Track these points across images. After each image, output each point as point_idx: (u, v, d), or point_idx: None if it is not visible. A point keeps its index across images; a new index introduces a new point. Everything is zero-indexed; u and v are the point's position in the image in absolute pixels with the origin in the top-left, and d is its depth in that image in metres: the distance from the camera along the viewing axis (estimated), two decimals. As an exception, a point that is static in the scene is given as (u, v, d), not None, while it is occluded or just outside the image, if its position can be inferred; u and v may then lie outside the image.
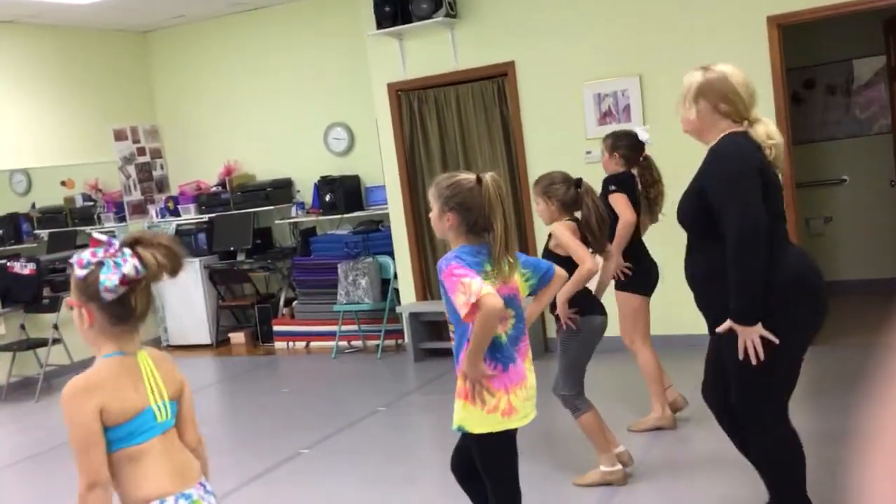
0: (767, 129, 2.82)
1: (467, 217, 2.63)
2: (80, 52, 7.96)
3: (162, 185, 8.61)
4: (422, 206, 6.72)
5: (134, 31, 8.45)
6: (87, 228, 8.35)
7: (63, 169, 8.09)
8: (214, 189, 8.27)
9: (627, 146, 4.26)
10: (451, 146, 6.66)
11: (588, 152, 6.00)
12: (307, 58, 7.93)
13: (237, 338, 8.11)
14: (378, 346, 6.98)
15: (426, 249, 6.81)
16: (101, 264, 1.98)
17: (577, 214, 3.60)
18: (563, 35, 6.14)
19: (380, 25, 6.46)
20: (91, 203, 8.44)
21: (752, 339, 2.70)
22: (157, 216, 8.37)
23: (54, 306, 6.88)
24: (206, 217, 8.19)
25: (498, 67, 6.36)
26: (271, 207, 7.92)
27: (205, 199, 8.22)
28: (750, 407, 2.87)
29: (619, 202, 4.11)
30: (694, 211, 2.86)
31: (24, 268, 6.98)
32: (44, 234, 8.34)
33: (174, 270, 2.04)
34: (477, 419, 2.66)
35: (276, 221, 8.09)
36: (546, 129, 6.27)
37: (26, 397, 6.78)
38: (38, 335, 6.98)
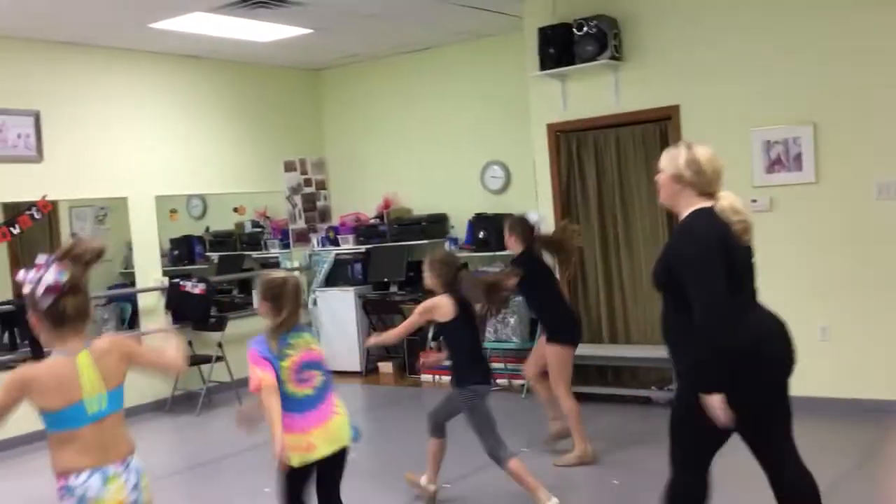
0: (732, 204, 3.00)
1: (276, 306, 3.37)
2: (257, 88, 8.45)
3: (324, 216, 8.96)
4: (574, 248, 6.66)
5: (308, 69, 8.90)
6: (254, 253, 8.81)
7: (236, 196, 8.58)
8: (372, 221, 8.52)
9: (522, 229, 5.10)
10: (608, 189, 6.57)
11: (754, 201, 5.77)
12: (469, 97, 8.09)
13: (385, 367, 8.27)
14: (523, 385, 6.92)
15: (577, 290, 6.73)
16: (38, 280, 2.39)
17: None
18: (732, 78, 5.96)
19: (543, 66, 6.50)
20: (259, 229, 8.89)
21: (712, 407, 2.87)
22: (317, 245, 8.70)
23: (220, 326, 7.25)
24: (363, 248, 8.44)
25: (662, 111, 6.25)
26: (426, 241, 8.06)
27: (363, 231, 8.48)
28: (673, 444, 3.13)
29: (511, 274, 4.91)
30: (665, 281, 3.06)
31: (194, 287, 7.42)
32: (214, 256, 8.85)
33: (92, 262, 2.49)
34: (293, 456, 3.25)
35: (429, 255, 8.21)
36: (709, 175, 6.07)
37: (188, 410, 7.16)
38: (203, 352, 7.37)
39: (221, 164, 8.10)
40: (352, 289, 8.29)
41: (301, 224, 8.81)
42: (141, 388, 7.19)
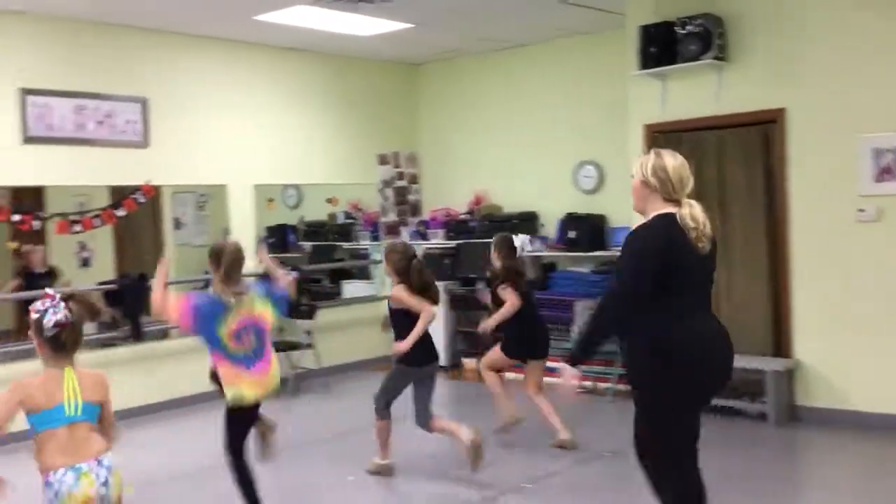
0: (692, 212, 3.13)
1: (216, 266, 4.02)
2: (355, 81, 8.57)
3: (415, 209, 9.03)
4: (669, 252, 6.53)
5: (406, 63, 8.97)
6: (345, 244, 8.94)
7: (330, 187, 8.72)
8: (463, 216, 8.54)
9: (508, 249, 5.76)
10: (706, 193, 6.38)
11: (861, 210, 5.54)
12: (565, 95, 8.02)
13: (470, 363, 8.28)
14: (609, 388, 6.82)
15: (669, 296, 6.58)
16: (46, 311, 3.00)
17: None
18: (841, 81, 5.72)
19: (644, 65, 6.38)
20: (351, 221, 9.02)
21: (567, 377, 3.21)
22: (407, 238, 8.77)
23: (311, 314, 7.38)
24: (452, 243, 8.46)
25: (766, 114, 6.05)
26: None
27: (453, 226, 8.50)
28: (647, 459, 3.28)
29: (508, 293, 5.59)
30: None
31: (287, 275, 7.56)
32: (307, 245, 9.02)
33: (92, 319, 3.19)
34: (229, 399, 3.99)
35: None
36: (814, 182, 5.87)
37: (276, 394, 7.30)
38: (293, 339, 7.52)
39: (318, 155, 8.25)
40: (440, 283, 8.28)
41: (392, 217, 8.89)
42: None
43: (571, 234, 7.58)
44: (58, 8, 6.20)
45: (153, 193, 7.00)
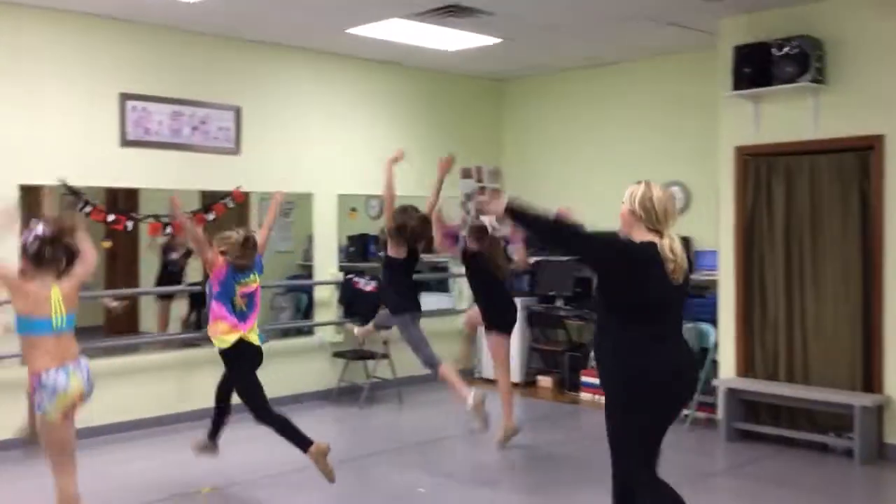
0: (671, 244, 3.30)
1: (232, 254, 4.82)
2: (441, 94, 8.63)
3: (496, 224, 9.01)
4: (755, 279, 6.36)
5: (492, 79, 9.00)
6: (425, 256, 8.96)
7: (413, 199, 8.76)
8: (544, 234, 8.48)
9: (477, 231, 6.25)
10: (798, 219, 6.21)
11: (963, 243, 5.29)
12: (652, 114, 7.91)
13: (545, 381, 8.22)
14: (687, 416, 6.67)
15: (754, 323, 6.40)
16: (29, 234, 3.61)
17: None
18: (948, 110, 5.49)
19: (737, 86, 6.24)
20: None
21: (490, 205, 3.55)
22: (486, 253, 8.75)
23: (387, 325, 7.43)
24: (532, 259, 8.41)
25: (864, 140, 5.85)
26: (596, 258, 7.94)
27: (533, 242, 8.44)
28: (622, 465, 3.46)
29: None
30: (598, 299, 3.45)
31: (367, 285, 7.66)
32: (387, 256, 9.09)
33: (70, 235, 3.70)
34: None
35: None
36: (913, 212, 5.64)
37: (351, 402, 7.39)
38: (369, 348, 7.58)
39: (401, 166, 8.29)
40: (518, 299, 8.26)
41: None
42: (310, 377, 7.50)
43: (654, 256, 7.46)
44: (159, 17, 6.43)
45: (242, 199, 7.16)
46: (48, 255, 3.60)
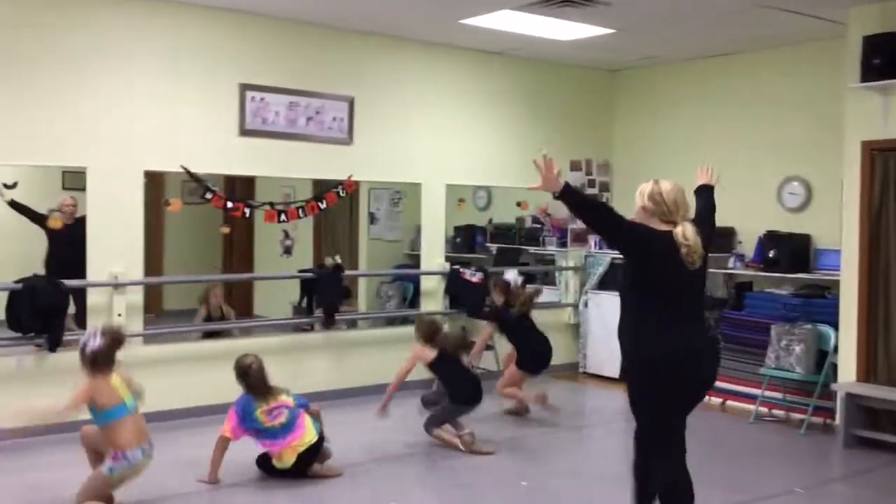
0: (683, 231, 3.52)
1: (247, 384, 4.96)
2: (552, 86, 8.55)
3: (604, 218, 8.87)
4: (880, 280, 6.05)
5: (604, 69, 8.85)
6: (531, 248, 8.94)
7: (520, 191, 8.74)
8: (654, 228, 8.31)
9: (502, 285, 6.84)
10: (929, 218, 5.87)
11: None
12: (772, 106, 7.62)
13: (651, 379, 8.05)
14: (803, 420, 6.42)
15: (878, 326, 6.09)
16: (87, 341, 4.26)
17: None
18: None
19: (865, 78, 5.94)
20: (539, 226, 9.00)
21: (549, 182, 3.55)
22: (594, 247, 8.65)
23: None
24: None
25: None
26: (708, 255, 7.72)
27: (643, 237, 8.29)
28: (649, 444, 3.73)
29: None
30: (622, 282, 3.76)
31: (473, 276, 7.67)
32: (493, 247, 9.10)
33: (118, 347, 4.33)
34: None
35: (711, 270, 7.86)
36: None
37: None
38: (473, 339, 7.59)
39: (509, 158, 8.29)
40: (615, 295, 8.12)
41: (580, 225, 8.79)
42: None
43: (771, 254, 7.19)
44: (279, 9, 6.60)
45: (353, 188, 7.29)
46: (101, 360, 4.23)
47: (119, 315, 6.00)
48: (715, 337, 3.69)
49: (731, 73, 7.96)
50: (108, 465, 4.21)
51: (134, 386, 4.39)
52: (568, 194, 3.54)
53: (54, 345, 5.70)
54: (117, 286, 6.03)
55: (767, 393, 6.69)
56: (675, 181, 3.70)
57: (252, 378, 4.89)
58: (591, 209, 3.68)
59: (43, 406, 4.24)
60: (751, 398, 6.81)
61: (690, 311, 3.63)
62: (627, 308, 3.65)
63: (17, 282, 5.65)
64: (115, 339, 4.34)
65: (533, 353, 6.71)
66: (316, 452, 4.95)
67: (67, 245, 6.44)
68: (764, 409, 6.75)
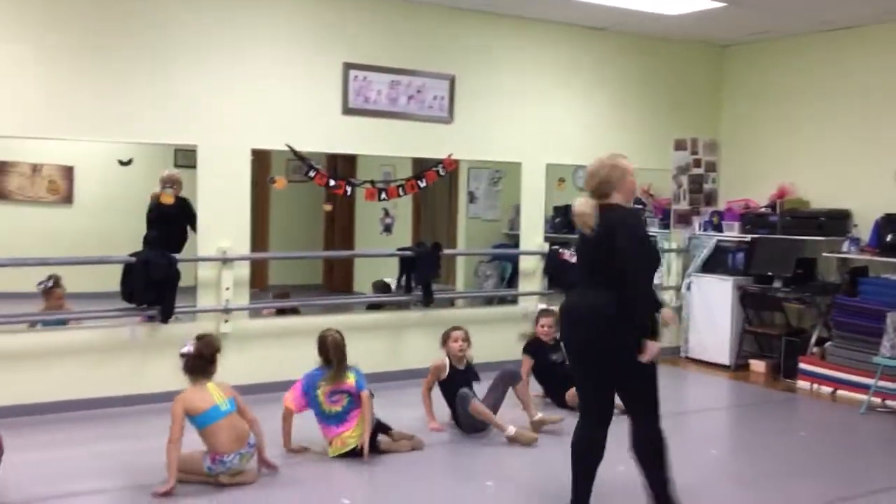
0: (577, 201, 3.88)
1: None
2: (657, 61, 8.32)
3: (710, 199, 8.62)
4: None
5: (713, 44, 8.56)
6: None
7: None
8: (762, 210, 8.02)
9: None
10: None
11: None
12: (893, 82, 7.22)
13: (757, 366, 7.81)
14: (866, 400, 6.11)
15: None
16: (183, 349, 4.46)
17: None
18: None
19: None
20: (640, 206, 8.81)
21: (654, 350, 3.82)
22: (699, 228, 8.42)
23: (592, 296, 7.34)
24: (748, 237, 7.99)
25: None
26: (821, 238, 7.41)
27: (750, 219, 8.02)
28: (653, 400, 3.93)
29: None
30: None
31: (573, 256, 7.57)
32: (593, 228, 8.95)
33: (211, 353, 4.48)
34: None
35: (824, 254, 7.54)
36: None
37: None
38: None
39: (611, 136, 8.13)
40: (730, 278, 7.91)
41: (684, 205, 8.57)
42: (511, 346, 7.58)
43: (889, 238, 6.85)
44: (382, -11, 6.62)
45: (453, 167, 7.29)
46: (195, 366, 4.43)
47: (227, 289, 6.20)
48: (604, 303, 3.72)
49: (849, 48, 7.57)
50: (207, 463, 4.33)
51: (230, 391, 4.49)
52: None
53: (166, 316, 5.92)
54: (225, 261, 6.22)
55: (881, 383, 6.38)
56: (609, 155, 3.94)
57: (326, 350, 4.96)
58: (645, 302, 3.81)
59: (173, 460, 4.22)
60: (863, 388, 6.52)
61: (582, 277, 3.93)
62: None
63: (131, 255, 5.88)
64: (207, 344, 4.47)
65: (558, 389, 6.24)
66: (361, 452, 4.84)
67: (166, 223, 6.56)
68: (877, 400, 6.45)
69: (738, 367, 7.85)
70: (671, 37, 8.20)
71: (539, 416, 5.56)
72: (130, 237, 6.43)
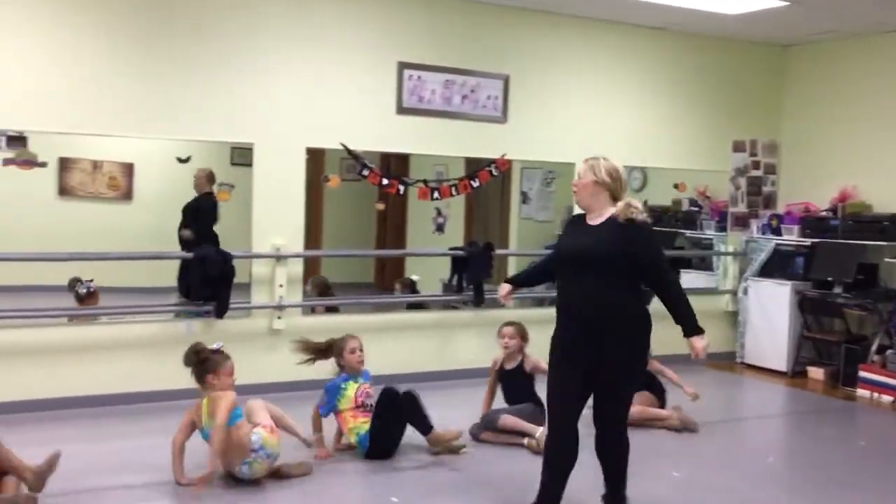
0: (631, 202, 3.80)
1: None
2: (716, 62, 8.17)
3: (769, 202, 8.44)
4: None
5: (775, 45, 8.38)
6: (688, 232, 8.63)
7: (678, 172, 8.45)
8: (823, 213, 7.83)
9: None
10: None
11: None
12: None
13: (816, 373, 7.62)
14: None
15: None
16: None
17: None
18: None
19: None
20: (696, 209, 8.68)
21: (703, 345, 3.91)
22: (757, 231, 8.25)
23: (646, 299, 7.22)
24: (807, 241, 7.80)
25: None
26: (884, 243, 7.20)
27: (811, 223, 7.83)
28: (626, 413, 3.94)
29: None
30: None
31: (626, 258, 7.48)
32: (647, 230, 8.84)
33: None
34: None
35: (886, 259, 7.32)
36: None
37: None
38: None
39: (667, 137, 8.02)
40: (789, 283, 7.74)
41: (742, 208, 8.40)
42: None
43: (956, 244, 6.63)
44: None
45: (506, 167, 7.25)
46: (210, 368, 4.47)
47: (280, 286, 6.26)
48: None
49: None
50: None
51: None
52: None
53: (221, 312, 6.01)
54: (279, 258, 6.29)
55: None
56: (605, 157, 3.93)
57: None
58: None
59: (212, 458, 4.23)
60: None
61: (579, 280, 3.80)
62: (626, 286, 3.83)
63: (188, 251, 5.98)
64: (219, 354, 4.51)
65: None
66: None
67: (198, 218, 6.98)
68: (943, 412, 6.25)
69: (796, 374, 7.68)
70: (731, 36, 8.05)
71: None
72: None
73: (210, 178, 7.19)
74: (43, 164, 7.50)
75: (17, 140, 7.21)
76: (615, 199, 3.80)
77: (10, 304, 5.84)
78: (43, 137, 6.18)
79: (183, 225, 7.13)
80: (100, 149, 8.23)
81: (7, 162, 7.25)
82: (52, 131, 5.83)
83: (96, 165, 8.34)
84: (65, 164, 8.26)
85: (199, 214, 7.08)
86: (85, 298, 6.25)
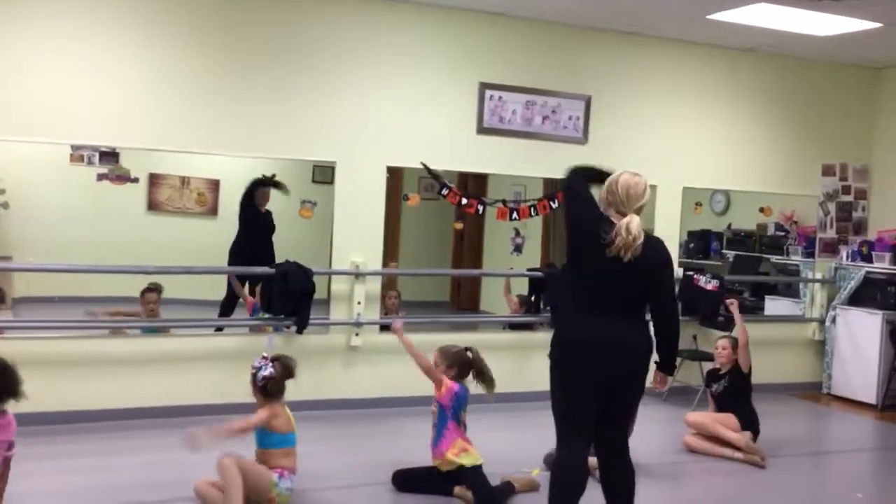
0: (628, 224, 3.57)
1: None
2: (804, 84, 7.97)
3: (859, 228, 8.16)
4: None
5: (867, 67, 8.12)
6: (773, 257, 8.40)
7: (763, 196, 8.25)
8: (917, 241, 7.53)
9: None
10: None
11: None
12: None
13: (909, 407, 7.31)
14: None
15: None
16: (259, 368, 4.34)
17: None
18: None
19: None
20: (782, 233, 8.45)
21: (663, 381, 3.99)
22: (846, 258, 7.97)
23: (727, 326, 7.05)
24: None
25: None
26: (984, 274, 6.88)
27: (904, 250, 7.54)
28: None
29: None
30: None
31: (707, 283, 7.32)
32: (730, 254, 8.66)
33: (289, 377, 4.38)
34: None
35: None
36: None
37: (683, 404, 7.10)
38: (705, 349, 7.26)
39: (752, 160, 7.84)
40: (880, 312, 7.45)
41: (831, 234, 8.14)
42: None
43: None
44: (518, 9, 6.63)
45: (586, 188, 7.18)
46: (272, 389, 4.31)
47: (359, 303, 6.32)
48: (648, 337, 3.75)
49: None
50: (274, 478, 4.21)
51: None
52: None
53: (302, 327, 6.09)
54: (358, 275, 6.35)
55: None
56: (641, 175, 3.75)
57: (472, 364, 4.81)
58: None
59: (234, 425, 4.16)
60: None
61: (604, 303, 3.65)
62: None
63: (271, 266, 6.09)
64: (286, 368, 4.39)
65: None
66: None
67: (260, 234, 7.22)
68: None
69: (886, 408, 7.37)
70: (822, 58, 7.84)
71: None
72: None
73: (268, 196, 7.43)
74: (135, 180, 7.80)
75: (110, 156, 7.51)
76: (621, 213, 3.68)
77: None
78: (133, 154, 6.41)
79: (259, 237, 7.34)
80: (188, 165, 8.50)
81: (101, 177, 7.57)
82: (141, 147, 6.03)
83: (184, 181, 8.61)
84: (154, 180, 8.55)
85: (270, 229, 7.33)
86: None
